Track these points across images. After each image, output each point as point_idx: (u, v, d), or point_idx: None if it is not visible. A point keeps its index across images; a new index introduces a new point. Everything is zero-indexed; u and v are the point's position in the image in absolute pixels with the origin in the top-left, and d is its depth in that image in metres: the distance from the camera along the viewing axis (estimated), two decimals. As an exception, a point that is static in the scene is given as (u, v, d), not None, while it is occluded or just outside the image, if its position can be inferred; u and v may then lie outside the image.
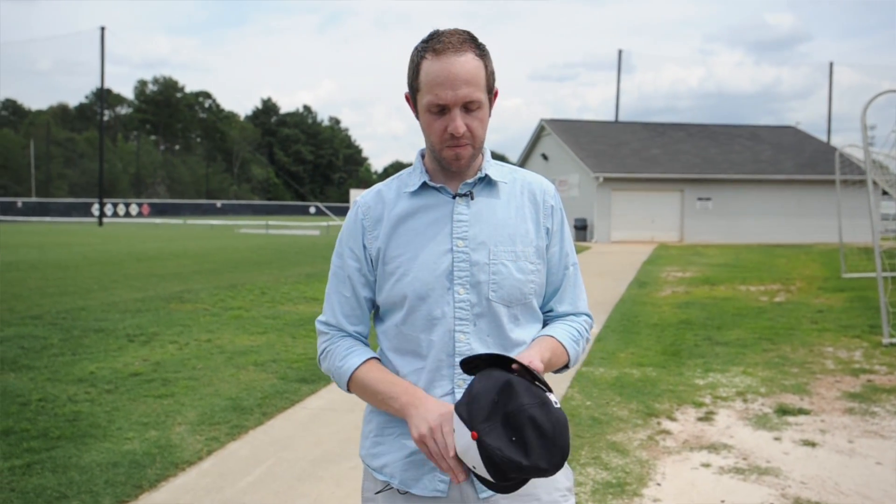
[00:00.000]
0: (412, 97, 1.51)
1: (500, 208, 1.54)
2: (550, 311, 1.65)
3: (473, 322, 1.50)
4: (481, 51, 1.47)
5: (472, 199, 1.53)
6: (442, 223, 1.52)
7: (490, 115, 1.52)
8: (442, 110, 1.44)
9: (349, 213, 1.62)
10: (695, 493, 3.69)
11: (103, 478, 3.76)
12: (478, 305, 1.50)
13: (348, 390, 1.57)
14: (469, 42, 1.45)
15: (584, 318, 1.66)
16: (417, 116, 1.52)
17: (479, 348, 1.50)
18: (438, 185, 1.53)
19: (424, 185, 1.54)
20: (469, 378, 1.43)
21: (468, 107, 1.44)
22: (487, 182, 1.56)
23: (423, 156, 1.59)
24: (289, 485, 3.77)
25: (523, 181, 1.60)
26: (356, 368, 1.54)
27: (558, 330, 1.58)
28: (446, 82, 1.41)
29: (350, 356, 1.56)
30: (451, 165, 1.49)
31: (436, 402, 1.43)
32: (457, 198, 1.53)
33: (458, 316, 1.49)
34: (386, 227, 1.54)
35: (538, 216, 1.58)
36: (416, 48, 1.48)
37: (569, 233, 1.65)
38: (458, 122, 1.43)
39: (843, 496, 3.65)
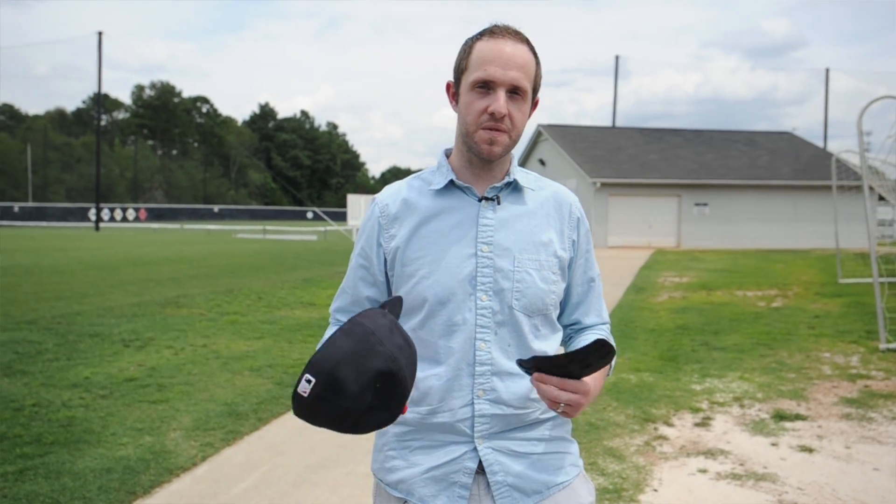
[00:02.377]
0: (456, 80, 1.48)
1: (525, 215, 1.50)
2: (578, 322, 1.62)
3: (495, 331, 1.45)
4: (535, 52, 1.46)
5: (498, 203, 1.48)
6: (467, 226, 1.47)
7: (528, 118, 1.49)
8: (487, 89, 1.41)
9: (367, 211, 1.58)
10: (692, 499, 3.68)
11: (97, 484, 3.73)
12: (500, 313, 1.45)
13: None
14: (524, 37, 1.45)
15: (607, 325, 1.65)
16: (456, 105, 1.48)
17: (500, 357, 1.45)
18: (465, 186, 1.49)
19: (451, 184, 1.50)
20: (493, 389, 1.44)
21: (514, 93, 1.41)
22: (514, 187, 1.52)
23: (447, 155, 1.55)
24: (284, 491, 3.75)
25: (550, 190, 1.57)
26: None
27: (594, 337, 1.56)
28: (498, 60, 1.40)
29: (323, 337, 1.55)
30: (483, 151, 1.43)
31: None
32: (483, 201, 1.48)
33: (479, 323, 1.44)
34: (406, 227, 1.49)
35: (563, 227, 1.54)
36: (469, 37, 1.47)
37: (592, 244, 1.62)
38: (502, 103, 1.39)
39: (841, 502, 3.63)
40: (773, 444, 4.51)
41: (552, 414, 1.51)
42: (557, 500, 1.49)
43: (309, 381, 1.15)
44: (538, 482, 1.48)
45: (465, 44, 1.47)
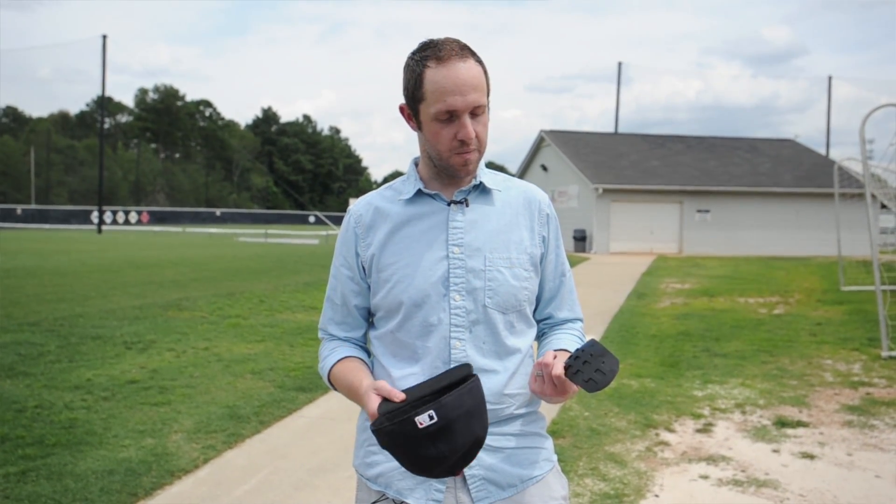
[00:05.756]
0: (412, 108, 1.50)
1: (494, 215, 1.55)
2: (550, 317, 1.67)
3: (469, 329, 1.50)
4: (478, 57, 1.49)
5: (466, 206, 1.53)
6: (437, 230, 1.52)
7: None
8: (451, 118, 1.45)
9: (343, 223, 1.63)
10: (693, 505, 3.67)
11: (99, 485, 3.74)
12: (474, 312, 1.50)
13: (334, 389, 1.59)
14: (468, 49, 1.47)
15: (580, 322, 1.70)
16: (416, 128, 1.52)
17: (475, 355, 1.50)
18: (433, 193, 1.54)
19: (419, 193, 1.55)
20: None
21: (474, 112, 1.45)
22: (482, 190, 1.57)
23: (416, 164, 1.59)
24: (285, 494, 3.75)
25: (518, 190, 1.62)
26: (332, 367, 1.57)
27: (572, 343, 1.59)
28: (455, 89, 1.42)
29: (331, 355, 1.59)
30: (460, 172, 1.50)
31: (372, 392, 1.38)
32: (452, 205, 1.53)
33: (453, 323, 1.49)
34: (380, 235, 1.54)
35: (533, 224, 1.59)
36: (412, 58, 1.48)
37: (561, 241, 1.67)
38: (469, 129, 1.44)
39: (842, 509, 3.63)
40: (775, 451, 4.51)
41: (527, 409, 1.57)
42: (531, 493, 1.54)
43: (431, 418, 1.23)
44: (513, 476, 1.52)
45: (413, 69, 1.47)
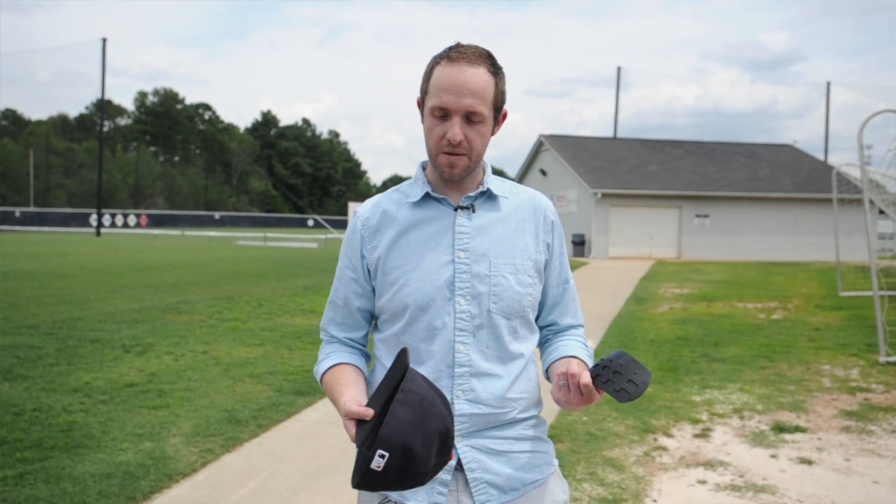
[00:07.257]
0: (422, 101, 1.54)
1: (500, 222, 1.56)
2: (554, 324, 1.68)
3: (473, 333, 1.51)
4: (495, 69, 1.50)
5: (473, 211, 1.55)
6: (443, 234, 1.53)
7: (494, 134, 1.55)
8: (444, 116, 1.46)
9: (349, 224, 1.64)
10: (691, 510, 3.68)
11: (96, 489, 3.73)
12: (478, 317, 1.51)
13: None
14: (485, 58, 1.48)
15: (582, 328, 1.71)
16: (423, 121, 1.54)
17: (479, 359, 1.51)
18: (441, 197, 1.55)
19: (427, 196, 1.56)
20: (472, 389, 1.50)
21: (470, 118, 1.46)
22: (489, 196, 1.58)
23: (424, 167, 1.61)
24: (283, 497, 3.75)
25: (524, 196, 1.63)
26: (322, 375, 1.58)
27: (579, 350, 1.60)
28: (452, 89, 1.44)
29: (325, 360, 1.60)
30: (445, 173, 1.51)
31: (347, 402, 1.37)
32: (458, 210, 1.54)
33: (458, 327, 1.50)
34: (387, 238, 1.55)
35: (538, 231, 1.60)
36: (434, 55, 1.51)
37: (565, 248, 1.68)
38: (457, 130, 1.45)
39: (840, 515, 3.63)
40: (773, 456, 4.51)
41: (529, 414, 1.58)
42: (533, 496, 1.56)
43: (382, 456, 1.23)
44: (514, 479, 1.54)
45: (429, 64, 1.52)
